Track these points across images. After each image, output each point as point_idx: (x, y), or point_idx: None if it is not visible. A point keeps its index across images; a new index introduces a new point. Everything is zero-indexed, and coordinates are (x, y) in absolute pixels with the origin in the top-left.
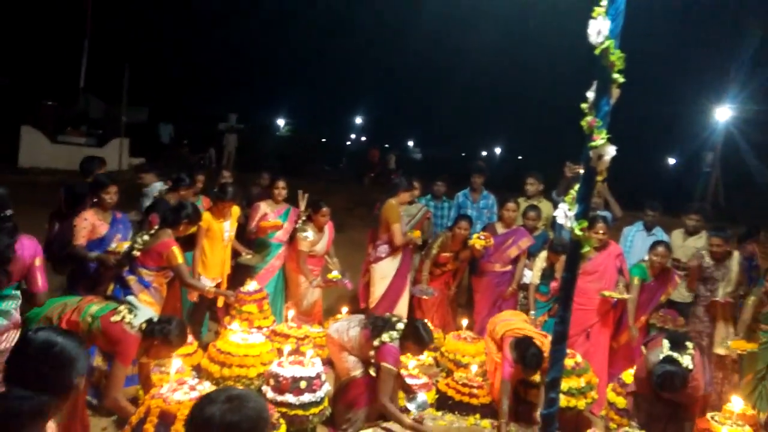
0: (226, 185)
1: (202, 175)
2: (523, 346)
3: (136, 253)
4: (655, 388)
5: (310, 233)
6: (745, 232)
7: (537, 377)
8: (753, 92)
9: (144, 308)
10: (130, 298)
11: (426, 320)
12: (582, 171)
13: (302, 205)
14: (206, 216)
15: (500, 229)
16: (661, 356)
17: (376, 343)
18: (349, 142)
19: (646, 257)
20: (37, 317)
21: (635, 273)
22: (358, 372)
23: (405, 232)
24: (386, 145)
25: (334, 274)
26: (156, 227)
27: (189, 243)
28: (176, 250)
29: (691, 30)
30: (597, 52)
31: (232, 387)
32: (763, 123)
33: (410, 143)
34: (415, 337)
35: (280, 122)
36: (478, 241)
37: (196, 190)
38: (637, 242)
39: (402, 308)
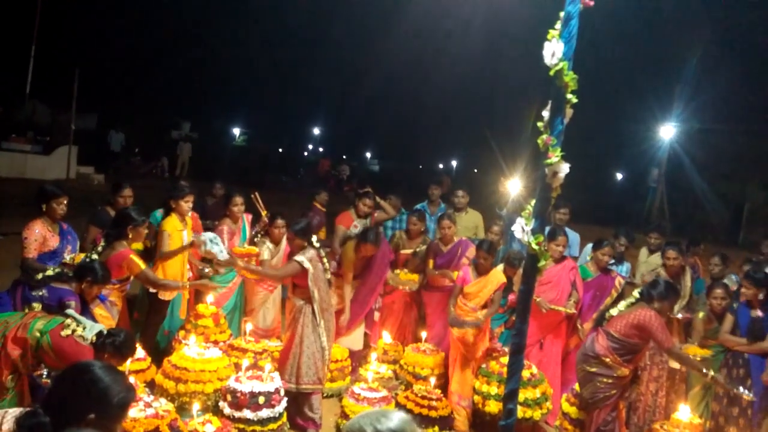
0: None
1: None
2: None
3: None
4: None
5: (266, 248)
6: (686, 244)
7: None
8: (695, 111)
9: (87, 321)
10: (70, 311)
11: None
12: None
13: (261, 208)
14: (171, 222)
15: (443, 246)
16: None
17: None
18: (306, 153)
19: (588, 258)
20: None
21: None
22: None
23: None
24: (343, 156)
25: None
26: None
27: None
28: (135, 257)
29: (638, 50)
30: (551, 73)
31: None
32: (704, 140)
33: (368, 155)
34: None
35: (236, 131)
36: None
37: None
38: None
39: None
